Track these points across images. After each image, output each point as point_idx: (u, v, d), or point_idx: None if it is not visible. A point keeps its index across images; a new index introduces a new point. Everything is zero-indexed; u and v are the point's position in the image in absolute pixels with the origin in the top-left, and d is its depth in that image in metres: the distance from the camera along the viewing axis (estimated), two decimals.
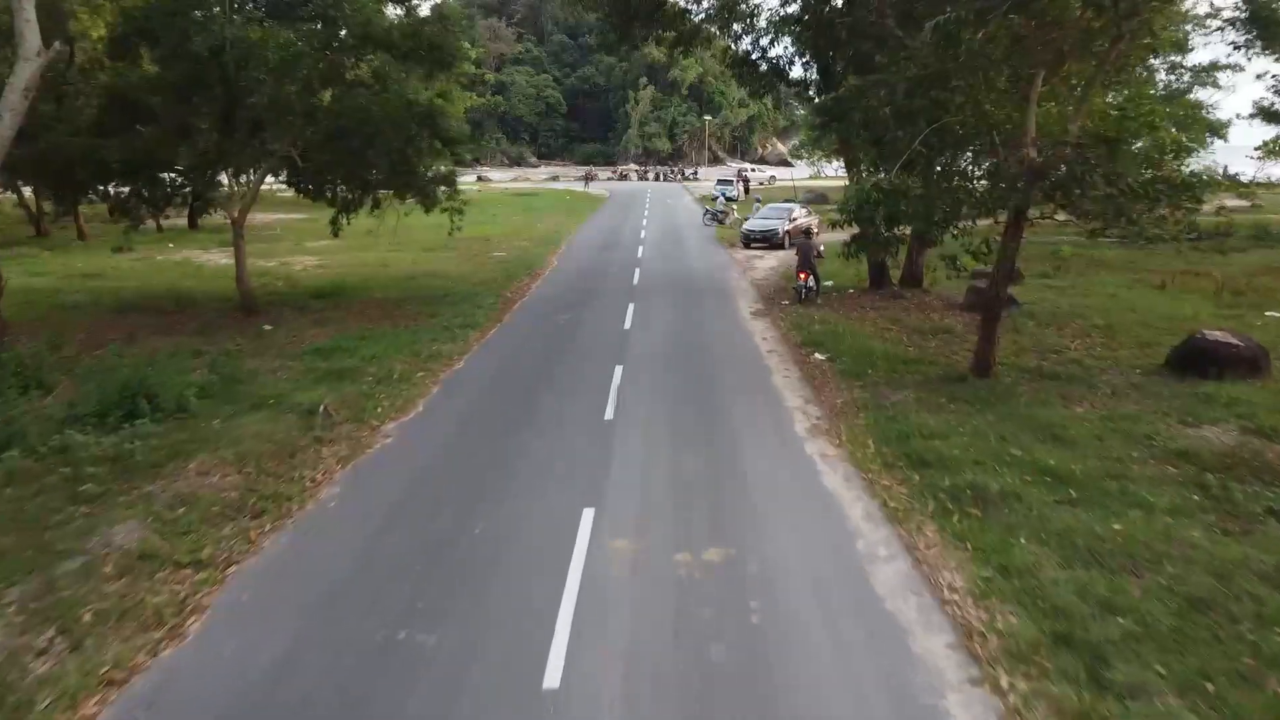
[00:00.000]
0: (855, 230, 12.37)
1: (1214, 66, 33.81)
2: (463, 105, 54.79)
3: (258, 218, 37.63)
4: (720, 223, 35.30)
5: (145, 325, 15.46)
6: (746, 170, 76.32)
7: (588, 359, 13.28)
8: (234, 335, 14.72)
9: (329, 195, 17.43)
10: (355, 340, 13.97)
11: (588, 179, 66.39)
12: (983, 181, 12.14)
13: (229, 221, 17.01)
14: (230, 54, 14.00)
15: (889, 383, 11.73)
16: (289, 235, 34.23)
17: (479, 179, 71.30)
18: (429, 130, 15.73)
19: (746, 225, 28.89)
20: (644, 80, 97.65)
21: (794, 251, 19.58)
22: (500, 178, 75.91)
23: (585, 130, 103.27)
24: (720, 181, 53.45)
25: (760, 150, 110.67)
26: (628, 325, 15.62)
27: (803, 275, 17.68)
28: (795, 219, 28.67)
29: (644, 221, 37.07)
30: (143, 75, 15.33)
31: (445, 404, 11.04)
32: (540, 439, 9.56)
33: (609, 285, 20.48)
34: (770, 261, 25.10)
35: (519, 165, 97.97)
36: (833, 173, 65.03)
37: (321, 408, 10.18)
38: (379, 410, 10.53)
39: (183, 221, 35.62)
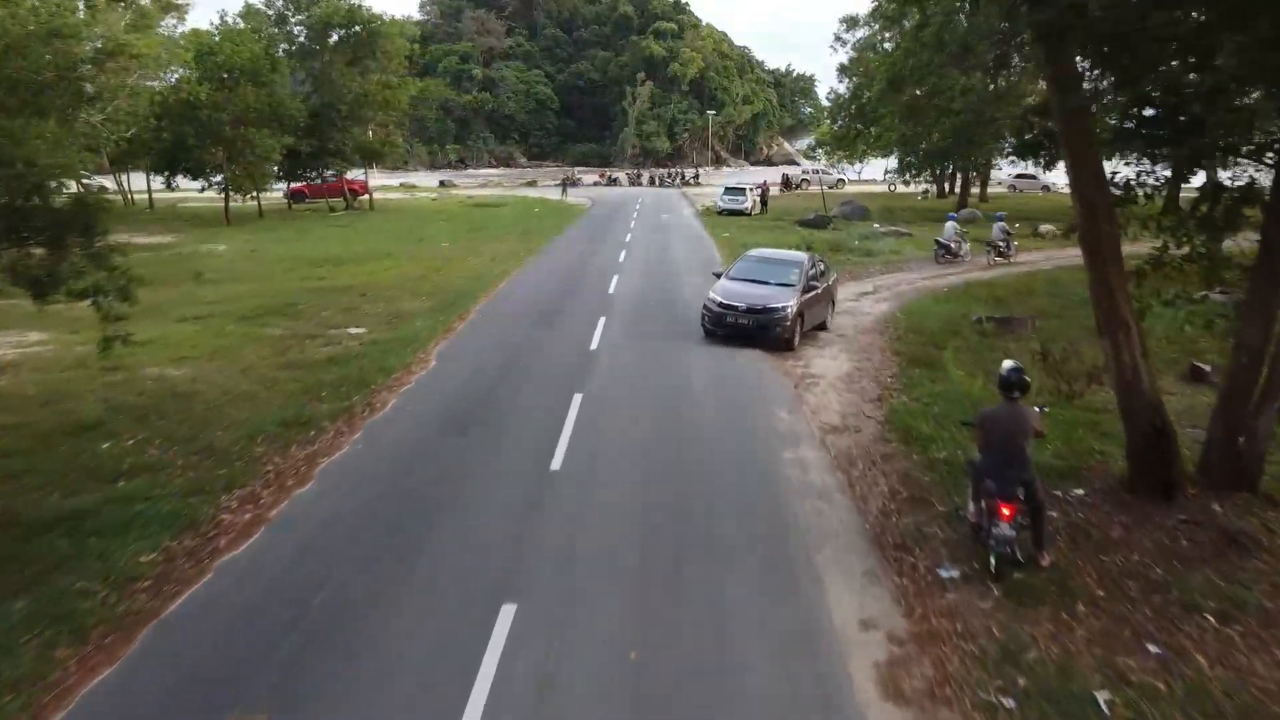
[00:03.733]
0: None
1: None
2: (407, 93, 43.47)
3: (137, 239, 25.47)
4: (955, 255, 23.55)
5: None
6: (800, 173, 61.14)
7: None
8: None
9: None
10: None
11: (566, 185, 54.15)
12: None
13: None
14: None
15: None
16: (155, 278, 18.16)
17: (441, 184, 59.88)
18: None
19: (716, 290, 14.92)
20: (641, 75, 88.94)
21: (973, 433, 7.28)
22: (466, 183, 64.13)
23: (580, 129, 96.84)
24: (728, 190, 41.30)
25: (765, 150, 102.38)
26: None
27: (1007, 512, 6.27)
28: (815, 285, 14.94)
29: (622, 256, 24.87)
30: None
31: None
32: None
33: (503, 463, 8.99)
34: (838, 360, 13.72)
35: (508, 165, 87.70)
36: (855, 175, 53.94)
37: None
38: None
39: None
